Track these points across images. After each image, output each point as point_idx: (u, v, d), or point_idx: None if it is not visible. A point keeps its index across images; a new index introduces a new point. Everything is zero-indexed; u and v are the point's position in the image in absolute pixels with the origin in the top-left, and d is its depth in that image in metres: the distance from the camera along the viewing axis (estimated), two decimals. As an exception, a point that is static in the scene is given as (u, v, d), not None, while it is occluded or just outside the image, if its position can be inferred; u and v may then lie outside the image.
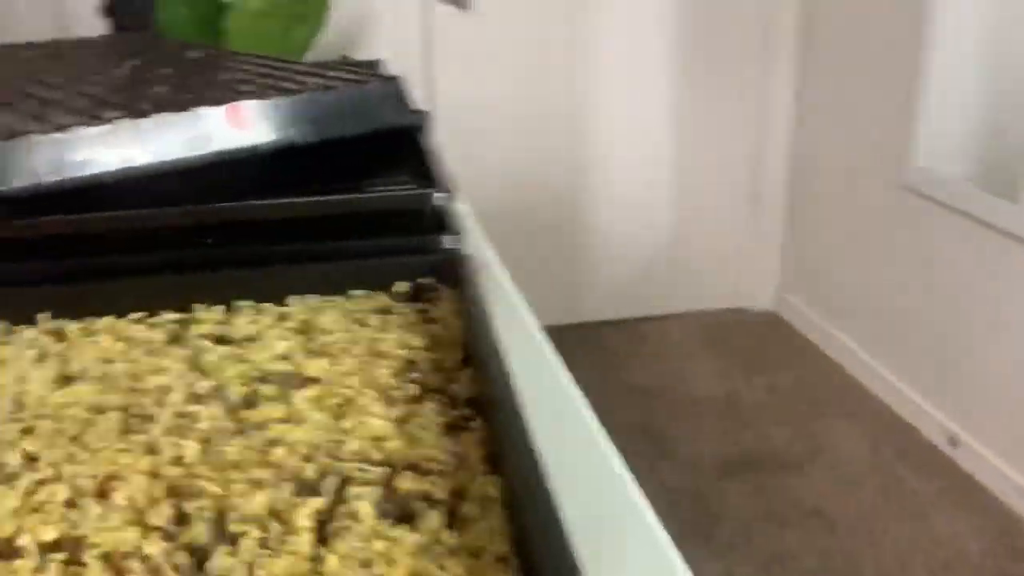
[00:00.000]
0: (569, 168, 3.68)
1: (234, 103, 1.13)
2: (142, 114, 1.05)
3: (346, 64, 1.28)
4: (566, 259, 3.78)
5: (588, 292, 3.85)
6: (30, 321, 0.84)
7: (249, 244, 0.94)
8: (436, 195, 0.96)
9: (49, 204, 0.94)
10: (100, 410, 0.69)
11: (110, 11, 3.69)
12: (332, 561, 0.50)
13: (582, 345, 3.61)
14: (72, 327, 0.83)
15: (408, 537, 0.52)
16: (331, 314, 0.85)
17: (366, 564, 0.50)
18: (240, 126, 1.13)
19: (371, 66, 1.99)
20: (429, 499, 0.56)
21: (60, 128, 1.01)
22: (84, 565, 0.51)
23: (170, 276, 0.91)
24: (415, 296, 0.89)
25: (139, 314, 0.86)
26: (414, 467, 0.59)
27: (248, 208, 0.97)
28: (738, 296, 4.05)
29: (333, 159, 1.23)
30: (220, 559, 0.51)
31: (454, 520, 0.54)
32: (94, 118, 1.02)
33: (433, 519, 0.54)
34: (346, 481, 0.58)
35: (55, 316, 0.85)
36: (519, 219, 3.60)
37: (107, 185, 0.98)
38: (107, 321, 0.85)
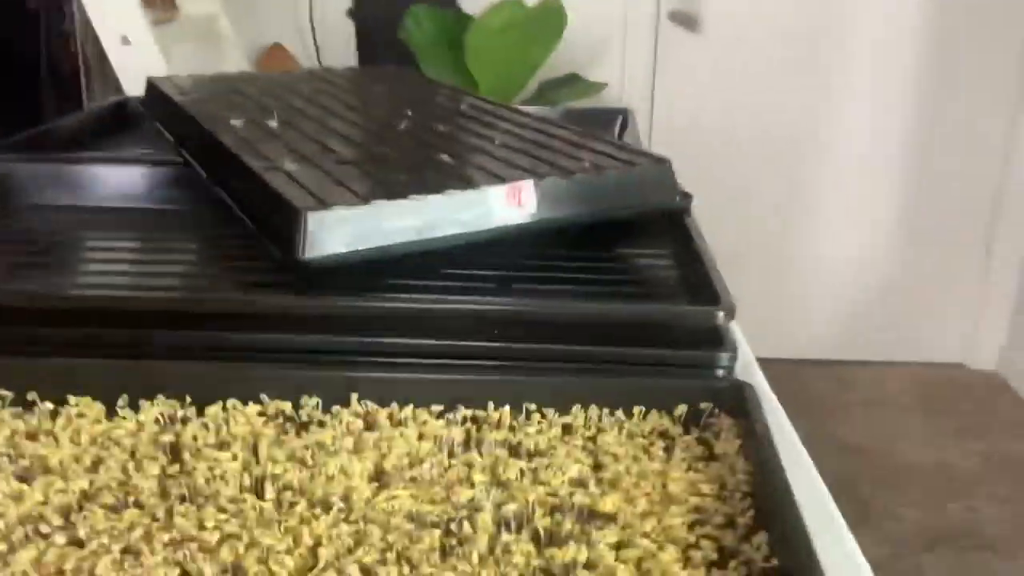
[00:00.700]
0: (790, 194, 3.59)
1: (515, 183, 1.19)
2: (436, 189, 1.13)
3: (612, 144, 1.32)
4: (773, 287, 3.69)
5: (793, 326, 3.75)
6: (332, 399, 0.92)
7: (536, 343, 0.99)
8: (720, 314, 0.97)
9: (343, 277, 1.03)
10: (421, 522, 0.75)
11: (355, 14, 3.90)
12: None
13: (781, 384, 3.51)
14: (382, 414, 0.91)
15: None
16: (613, 433, 0.89)
17: None
18: (518, 205, 1.20)
19: (622, 117, 2.02)
20: None
21: (365, 199, 1.10)
22: None
23: (466, 370, 0.97)
24: (693, 420, 0.92)
25: (438, 407, 0.92)
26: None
27: (536, 308, 1.02)
28: (958, 351, 3.82)
29: (597, 231, 1.27)
30: None
31: None
32: (391, 189, 1.11)
33: None
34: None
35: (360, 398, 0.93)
36: (731, 238, 3.56)
37: (394, 262, 1.06)
38: (409, 411, 0.92)
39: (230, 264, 1.19)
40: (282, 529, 0.74)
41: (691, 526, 0.76)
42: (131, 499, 0.78)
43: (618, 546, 0.73)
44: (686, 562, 0.71)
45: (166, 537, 0.73)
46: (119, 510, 0.77)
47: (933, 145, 3.49)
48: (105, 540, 0.72)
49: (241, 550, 0.72)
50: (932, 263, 3.67)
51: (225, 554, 0.71)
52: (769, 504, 0.76)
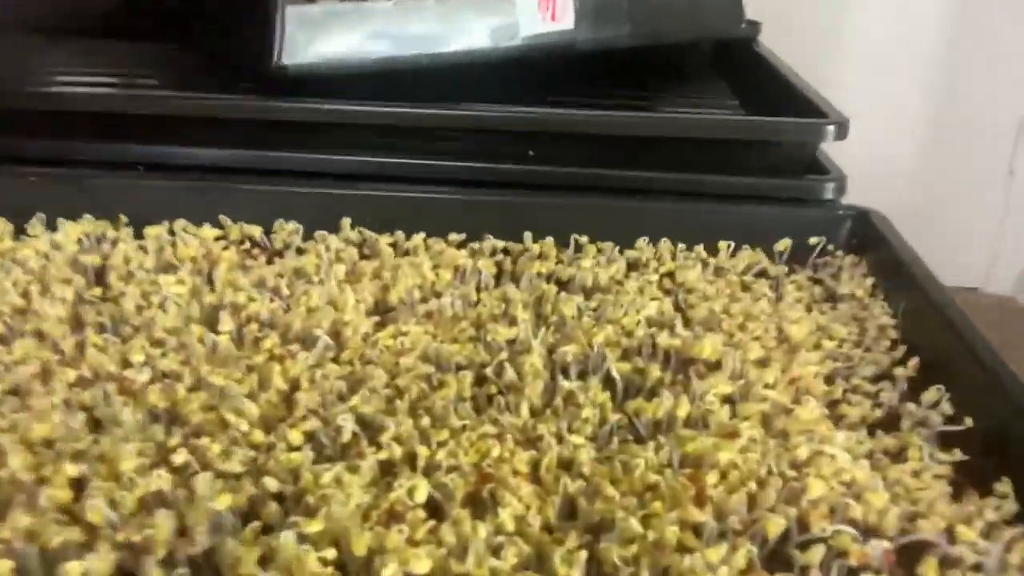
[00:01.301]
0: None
1: (550, -10, 0.94)
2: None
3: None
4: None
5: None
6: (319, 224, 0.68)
7: (585, 163, 0.75)
8: (829, 128, 0.74)
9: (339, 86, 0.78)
10: (440, 364, 0.52)
11: None
12: None
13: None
14: (382, 241, 0.68)
15: None
16: (696, 271, 0.66)
17: None
18: (551, 17, 0.93)
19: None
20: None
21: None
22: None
23: (492, 192, 0.73)
24: (798, 259, 0.69)
25: (457, 236, 0.69)
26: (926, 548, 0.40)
27: (583, 119, 0.78)
28: (975, 275, 3.62)
29: (651, 66, 1.02)
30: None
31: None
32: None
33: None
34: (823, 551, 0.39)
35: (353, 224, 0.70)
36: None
37: (399, 73, 0.81)
38: (419, 239, 0.68)
39: (190, 74, 0.93)
40: (243, 369, 0.51)
41: (829, 378, 0.53)
42: (28, 328, 0.55)
43: (730, 400, 0.50)
44: (837, 421, 0.49)
45: (71, 375, 0.50)
46: (6, 341, 0.53)
47: (959, 65, 3.23)
48: (-21, 376, 0.49)
49: (181, 393, 0.48)
50: (952, 187, 3.45)
51: (155, 398, 0.48)
52: (945, 351, 0.53)
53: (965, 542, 0.39)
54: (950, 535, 0.40)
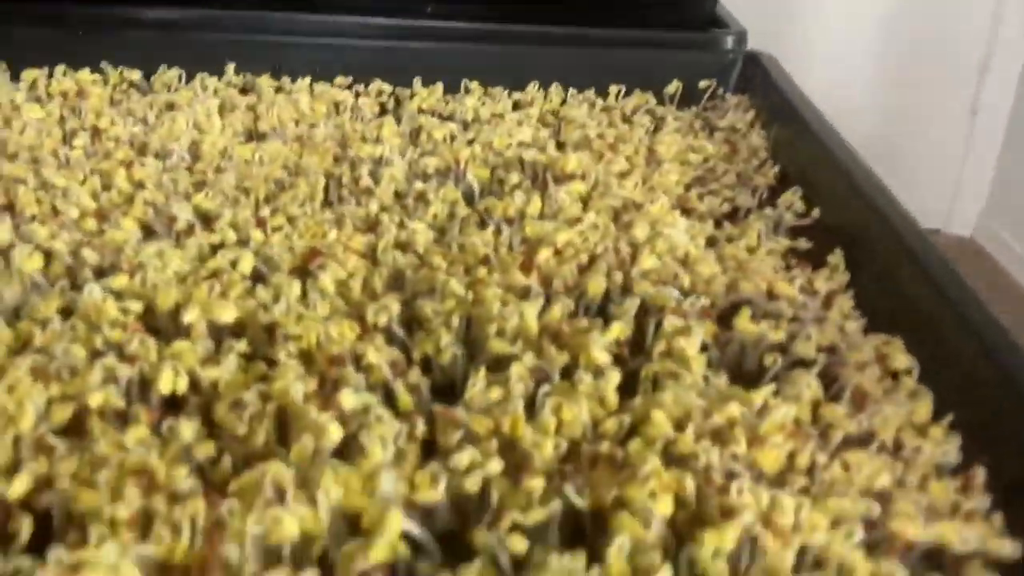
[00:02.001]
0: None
1: None
2: None
3: None
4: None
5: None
6: (206, 69, 0.67)
7: (478, 14, 0.74)
8: (725, -20, 0.73)
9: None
10: (297, 173, 0.51)
11: None
12: (658, 416, 0.31)
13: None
14: (263, 82, 0.66)
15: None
16: (582, 109, 0.65)
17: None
18: None
19: None
20: (773, 350, 0.36)
21: None
22: (273, 363, 0.34)
23: (379, 41, 0.72)
24: (688, 103, 0.68)
25: (342, 79, 0.67)
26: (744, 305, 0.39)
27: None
28: (936, 217, 3.63)
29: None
30: (477, 393, 0.32)
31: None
32: None
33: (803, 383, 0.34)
34: (647, 310, 0.39)
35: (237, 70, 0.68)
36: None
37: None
38: (304, 83, 0.67)
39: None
40: (87, 171, 0.50)
41: (689, 186, 0.53)
42: None
43: (585, 198, 0.50)
44: (687, 215, 0.48)
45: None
46: None
47: (921, 3, 3.21)
48: None
49: (21, 190, 0.47)
50: (914, 127, 3.44)
51: (-10, 193, 0.47)
52: (808, 162, 0.53)
53: (783, 296, 0.39)
54: (771, 296, 0.40)
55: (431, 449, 0.31)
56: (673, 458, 0.29)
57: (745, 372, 0.36)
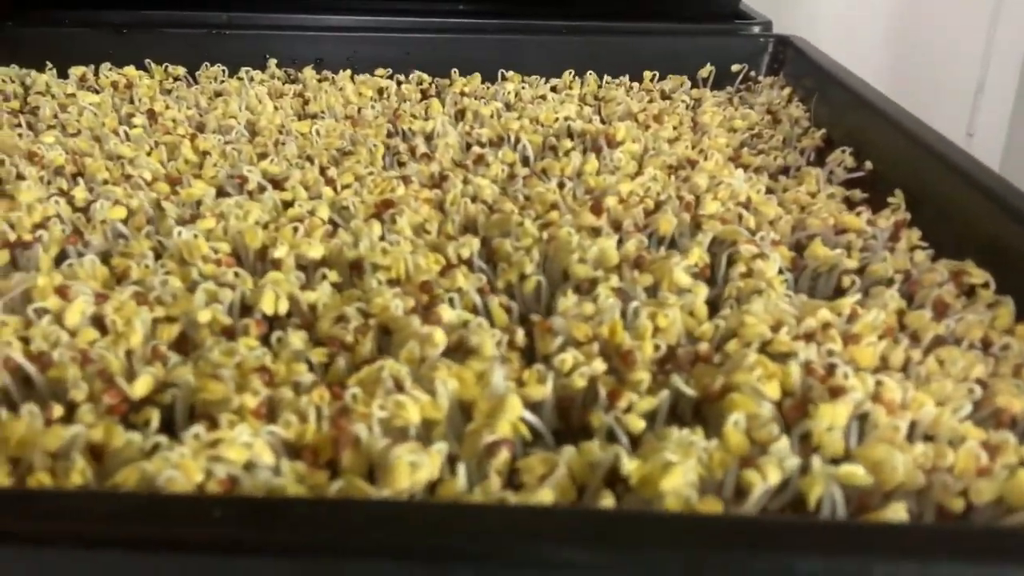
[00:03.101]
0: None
1: None
2: None
3: None
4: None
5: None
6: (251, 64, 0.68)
7: (507, 9, 0.76)
8: (751, -31, 0.74)
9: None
10: (355, 143, 0.53)
11: None
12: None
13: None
14: (307, 73, 0.68)
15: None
16: (619, 92, 0.66)
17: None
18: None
19: None
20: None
21: None
22: (360, 285, 0.35)
23: (415, 34, 0.74)
24: (720, 87, 0.69)
25: (383, 70, 0.69)
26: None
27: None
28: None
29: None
30: (570, 306, 0.33)
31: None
32: None
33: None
34: (718, 244, 0.40)
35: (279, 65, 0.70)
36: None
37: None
38: (345, 75, 0.68)
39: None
40: (151, 144, 0.51)
41: (737, 149, 0.54)
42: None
43: (638, 156, 0.51)
44: (741, 167, 0.50)
45: (-21, 152, 0.49)
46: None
47: (917, 28, 3.26)
48: None
49: (89, 161, 0.48)
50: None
51: (60, 160, 0.48)
52: (855, 125, 0.54)
53: (852, 229, 0.40)
54: (839, 232, 0.41)
55: (530, 358, 0.31)
56: (771, 356, 0.30)
57: (822, 295, 0.37)
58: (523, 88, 0.66)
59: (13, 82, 0.65)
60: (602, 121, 0.59)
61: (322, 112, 0.60)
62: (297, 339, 0.30)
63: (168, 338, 0.31)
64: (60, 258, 0.38)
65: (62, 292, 0.32)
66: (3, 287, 0.34)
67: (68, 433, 0.25)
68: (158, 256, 0.38)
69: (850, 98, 0.57)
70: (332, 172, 0.47)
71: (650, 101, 0.63)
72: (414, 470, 0.23)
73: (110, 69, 0.68)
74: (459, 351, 0.31)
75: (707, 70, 0.69)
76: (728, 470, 0.25)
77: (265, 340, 0.31)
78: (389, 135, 0.55)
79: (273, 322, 0.33)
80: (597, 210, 0.41)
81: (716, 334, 0.31)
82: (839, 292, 0.37)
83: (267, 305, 0.33)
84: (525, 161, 0.51)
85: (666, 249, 0.40)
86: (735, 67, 0.70)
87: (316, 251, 0.37)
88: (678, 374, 0.29)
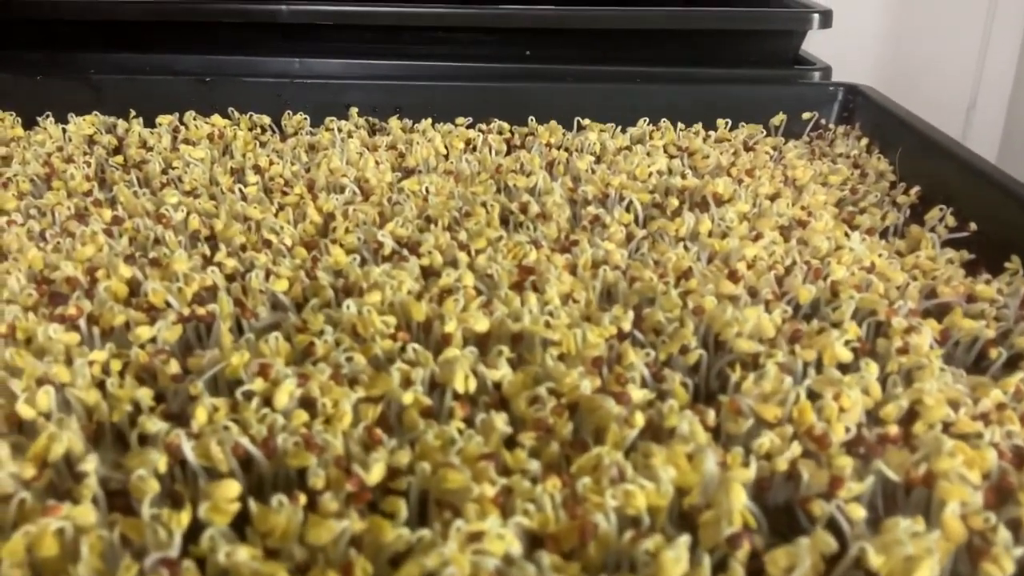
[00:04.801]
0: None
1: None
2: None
3: None
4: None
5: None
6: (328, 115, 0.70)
7: (574, 57, 0.78)
8: (814, 16, 0.77)
9: None
10: (467, 202, 0.54)
11: None
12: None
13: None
14: (393, 123, 0.69)
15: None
16: (697, 142, 0.68)
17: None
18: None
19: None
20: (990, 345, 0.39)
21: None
22: (531, 359, 0.36)
23: (491, 83, 0.75)
24: (794, 134, 0.72)
25: (463, 119, 0.71)
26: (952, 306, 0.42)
27: (586, 15, 0.80)
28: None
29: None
30: (749, 386, 0.35)
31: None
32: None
33: None
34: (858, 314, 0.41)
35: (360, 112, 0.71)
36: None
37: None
38: (426, 123, 0.70)
39: None
40: (275, 205, 0.52)
41: (837, 206, 0.56)
42: (55, 185, 0.56)
43: (747, 219, 0.53)
44: (849, 227, 0.51)
45: (107, 215, 0.51)
46: (36, 196, 0.54)
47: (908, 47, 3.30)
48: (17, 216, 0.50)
49: (220, 224, 0.50)
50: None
51: (195, 224, 0.49)
52: (943, 178, 0.56)
53: (984, 299, 0.42)
54: (969, 301, 0.43)
55: (716, 435, 0.33)
56: (955, 437, 0.32)
57: (960, 363, 0.39)
58: (603, 136, 0.67)
59: (102, 132, 0.67)
60: (695, 172, 0.61)
61: (419, 166, 0.62)
62: (500, 421, 0.32)
63: (373, 418, 0.33)
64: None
65: (263, 372, 0.34)
66: (197, 366, 0.36)
67: (338, 527, 0.26)
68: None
69: (935, 149, 0.59)
70: (462, 236, 0.48)
71: (734, 153, 0.64)
72: (676, 564, 0.25)
73: (195, 119, 0.69)
74: (648, 429, 0.32)
75: (779, 119, 0.71)
76: (947, 558, 0.27)
77: (467, 420, 0.33)
78: (496, 188, 0.57)
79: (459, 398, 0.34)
80: (734, 278, 0.43)
81: (900, 413, 0.33)
82: (980, 358, 0.39)
83: (459, 384, 0.34)
84: (635, 218, 0.53)
85: (804, 318, 0.41)
86: (806, 115, 0.72)
87: (482, 324, 0.38)
88: (872, 457, 0.30)
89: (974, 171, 0.54)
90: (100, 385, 0.35)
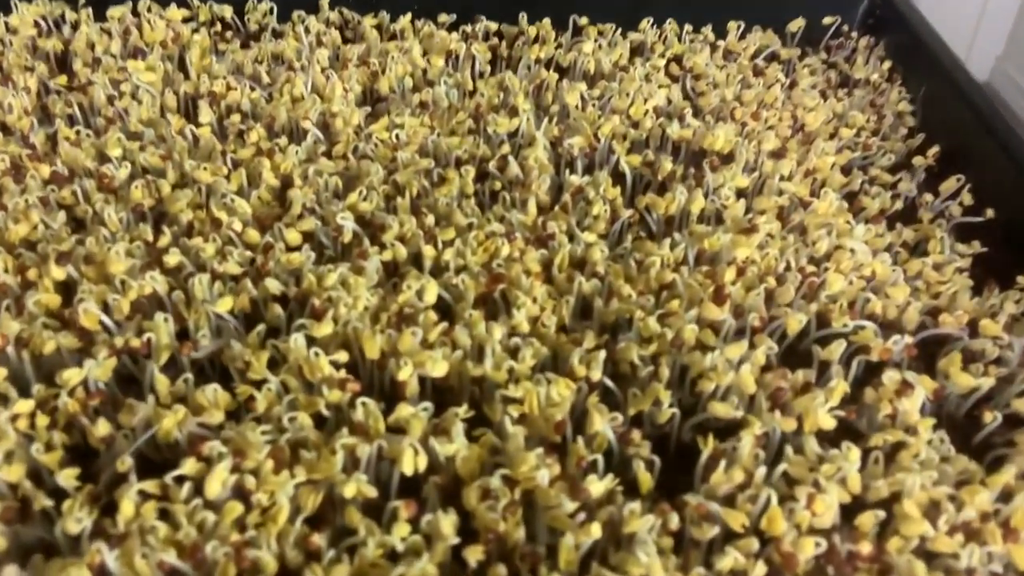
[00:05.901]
0: None
1: None
2: None
3: None
4: None
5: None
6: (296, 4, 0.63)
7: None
8: None
9: None
10: (438, 157, 0.49)
11: None
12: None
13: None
14: (367, 23, 0.63)
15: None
16: (703, 54, 0.61)
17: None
18: None
19: None
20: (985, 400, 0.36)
21: None
22: (491, 425, 0.34)
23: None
24: (810, 41, 0.65)
25: (447, 16, 0.64)
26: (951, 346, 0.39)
27: None
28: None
29: None
30: (719, 478, 0.32)
31: None
32: None
33: None
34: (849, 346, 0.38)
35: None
36: None
37: None
38: (405, 21, 0.63)
39: None
40: (228, 163, 0.48)
41: (847, 169, 0.51)
42: (-10, 121, 0.51)
43: (745, 194, 0.48)
44: (856, 215, 0.47)
45: (45, 171, 0.46)
46: (-31, 135, 0.49)
47: None
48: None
49: (166, 190, 0.45)
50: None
51: (138, 195, 0.45)
52: (966, 140, 0.51)
53: (988, 336, 0.39)
54: (972, 329, 0.39)
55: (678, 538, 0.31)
56: (930, 554, 0.30)
57: (959, 424, 0.37)
58: (599, 49, 0.61)
59: (48, 26, 0.60)
60: (695, 111, 0.55)
61: (392, 91, 0.56)
62: (448, 526, 0.30)
63: (313, 508, 0.31)
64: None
65: (195, 450, 0.31)
66: (127, 421, 0.33)
67: None
68: (273, 362, 0.36)
69: (954, 95, 0.54)
70: (429, 220, 0.44)
71: (742, 80, 0.58)
72: None
73: (150, 9, 0.62)
74: (608, 527, 0.31)
75: (796, 25, 0.64)
76: None
77: (413, 522, 0.30)
78: (470, 131, 0.52)
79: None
80: (720, 300, 0.39)
81: (875, 523, 0.31)
82: (978, 405, 0.36)
83: (407, 466, 0.32)
84: (622, 190, 0.48)
85: (790, 349, 0.38)
86: (827, 20, 0.65)
87: (439, 369, 0.36)
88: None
89: (998, 139, 0.48)
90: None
